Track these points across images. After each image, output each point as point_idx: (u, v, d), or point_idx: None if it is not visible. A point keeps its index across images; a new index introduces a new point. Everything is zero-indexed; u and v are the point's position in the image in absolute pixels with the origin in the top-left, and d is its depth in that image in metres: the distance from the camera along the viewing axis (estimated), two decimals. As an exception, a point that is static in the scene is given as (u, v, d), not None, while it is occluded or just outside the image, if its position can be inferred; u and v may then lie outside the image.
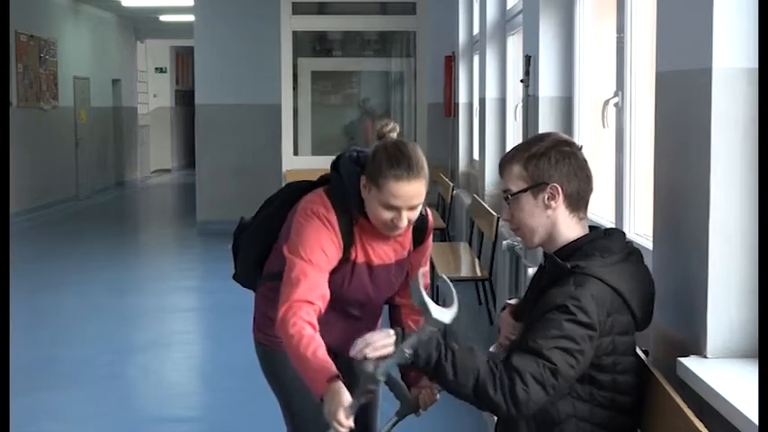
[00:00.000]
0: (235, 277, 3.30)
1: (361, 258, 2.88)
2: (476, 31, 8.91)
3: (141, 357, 6.54)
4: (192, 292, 9.18)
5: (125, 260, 10.85)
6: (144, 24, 20.54)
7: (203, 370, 6.49)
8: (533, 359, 2.27)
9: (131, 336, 7.23)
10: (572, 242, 2.48)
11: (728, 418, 2.16)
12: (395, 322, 3.14)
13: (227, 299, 8.42)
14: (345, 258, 2.85)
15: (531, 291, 2.61)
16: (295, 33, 11.82)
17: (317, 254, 2.74)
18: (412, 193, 2.70)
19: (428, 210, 3.01)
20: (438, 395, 2.89)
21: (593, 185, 2.54)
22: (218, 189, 12.59)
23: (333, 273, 2.82)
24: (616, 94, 3.66)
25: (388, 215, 2.73)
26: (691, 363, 2.43)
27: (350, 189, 2.82)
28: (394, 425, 2.77)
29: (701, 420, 2.13)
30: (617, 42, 3.70)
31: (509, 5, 6.88)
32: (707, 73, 2.39)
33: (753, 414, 2.04)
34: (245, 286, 3.32)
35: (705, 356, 2.44)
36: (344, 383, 2.60)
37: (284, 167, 11.41)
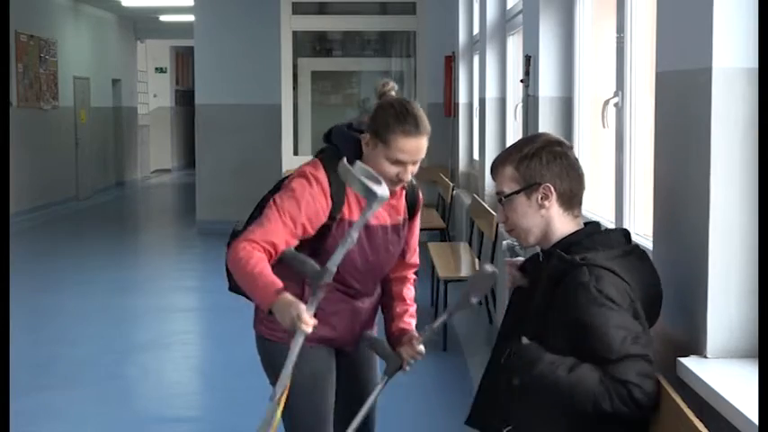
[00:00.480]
0: (231, 289, 3.24)
1: (355, 217, 2.91)
2: (476, 31, 8.91)
3: (141, 357, 6.53)
4: (192, 292, 9.18)
5: (125, 260, 10.86)
6: (144, 24, 20.54)
7: (203, 370, 6.49)
8: (624, 363, 2.26)
9: (131, 336, 7.23)
10: (568, 236, 2.50)
11: (728, 418, 2.16)
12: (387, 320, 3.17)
13: (227, 299, 8.39)
14: (339, 217, 2.90)
15: (532, 283, 2.61)
16: (295, 33, 11.81)
17: (293, 208, 2.82)
18: (418, 147, 2.83)
19: (418, 185, 3.10)
20: (421, 347, 2.96)
21: (584, 183, 2.56)
22: (218, 189, 12.59)
23: (332, 236, 2.88)
24: (616, 94, 3.66)
25: (394, 170, 2.84)
26: (691, 363, 2.43)
27: (343, 149, 2.91)
28: (385, 385, 2.90)
29: (701, 420, 2.13)
30: (617, 42, 3.70)
31: (509, 5, 6.88)
32: (707, 73, 2.39)
33: (753, 414, 2.04)
34: (242, 294, 3.22)
35: (705, 356, 2.44)
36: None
37: (284, 167, 11.41)
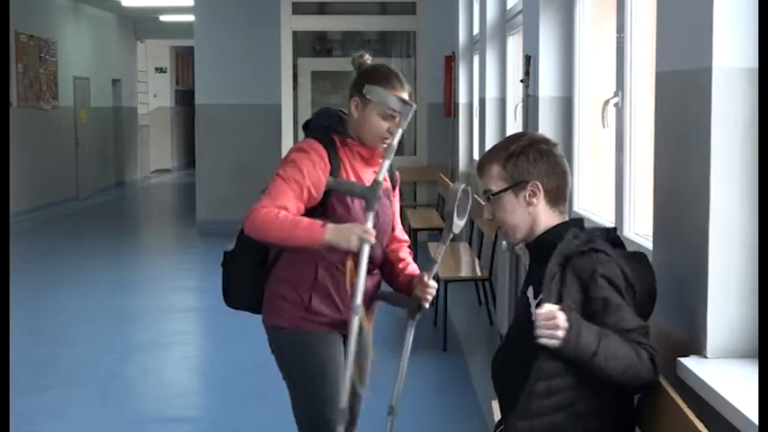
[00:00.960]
0: (233, 304, 3.34)
1: (353, 178, 3.12)
2: (476, 31, 8.91)
3: (141, 357, 6.53)
4: (191, 292, 9.18)
5: (125, 260, 10.86)
6: (144, 24, 20.54)
7: (203, 370, 6.49)
8: (640, 332, 2.35)
9: (131, 336, 7.23)
10: (553, 228, 2.55)
11: (728, 418, 2.16)
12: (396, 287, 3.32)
13: (227, 299, 8.44)
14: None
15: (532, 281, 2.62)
16: (295, 33, 11.81)
17: (296, 174, 3.02)
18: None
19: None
20: (432, 281, 3.12)
21: (570, 180, 2.62)
22: (218, 189, 12.59)
23: (335, 203, 3.07)
24: (616, 94, 3.66)
25: (384, 125, 3.08)
26: (691, 363, 2.43)
27: (327, 122, 3.17)
28: (413, 329, 3.10)
29: (701, 420, 2.13)
30: (617, 42, 3.70)
31: (509, 5, 6.88)
32: (707, 73, 2.39)
33: (753, 414, 2.04)
34: (246, 308, 3.33)
35: (705, 356, 2.44)
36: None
37: (284, 167, 11.41)
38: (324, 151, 3.09)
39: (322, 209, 3.08)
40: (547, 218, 2.57)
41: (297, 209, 3.02)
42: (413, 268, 3.30)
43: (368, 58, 3.24)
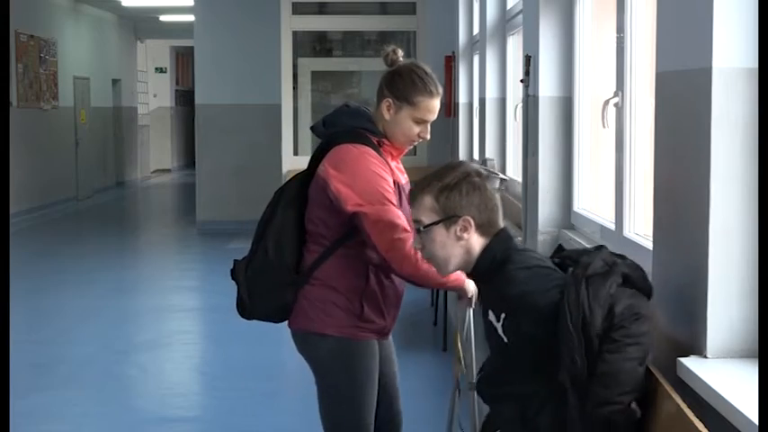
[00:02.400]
0: (255, 316, 3.22)
1: (395, 178, 3.12)
2: (476, 31, 8.91)
3: (141, 357, 6.54)
4: (191, 292, 9.18)
5: (125, 260, 10.86)
6: (144, 24, 20.54)
7: (203, 370, 6.49)
8: None
9: (131, 336, 7.23)
10: (483, 252, 2.54)
11: (728, 418, 2.16)
12: None
13: (227, 299, 8.41)
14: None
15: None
16: (295, 33, 11.82)
17: (384, 188, 2.99)
18: (437, 106, 3.15)
19: None
20: None
21: (501, 213, 2.60)
22: (218, 189, 12.59)
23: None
24: (616, 94, 3.66)
25: (416, 129, 3.12)
26: (691, 363, 2.42)
27: (358, 123, 3.12)
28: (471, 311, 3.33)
29: (701, 420, 2.13)
30: (617, 42, 3.70)
31: (509, 5, 6.88)
32: (707, 73, 2.39)
33: (753, 414, 2.04)
34: (270, 317, 3.23)
35: (705, 356, 2.44)
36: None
37: (284, 167, 11.42)
38: (376, 154, 3.06)
39: None
40: (479, 246, 2.55)
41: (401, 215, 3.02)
42: None
43: (401, 54, 3.23)
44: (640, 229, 3.56)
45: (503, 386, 2.49)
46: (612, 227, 3.79)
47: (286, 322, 3.22)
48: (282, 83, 11.67)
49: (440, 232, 2.53)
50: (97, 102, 18.17)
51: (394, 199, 3.00)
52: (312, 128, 3.27)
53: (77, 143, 16.81)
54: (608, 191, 3.97)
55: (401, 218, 2.96)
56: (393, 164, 3.16)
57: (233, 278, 3.20)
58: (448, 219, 2.51)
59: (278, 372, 6.14)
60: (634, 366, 2.29)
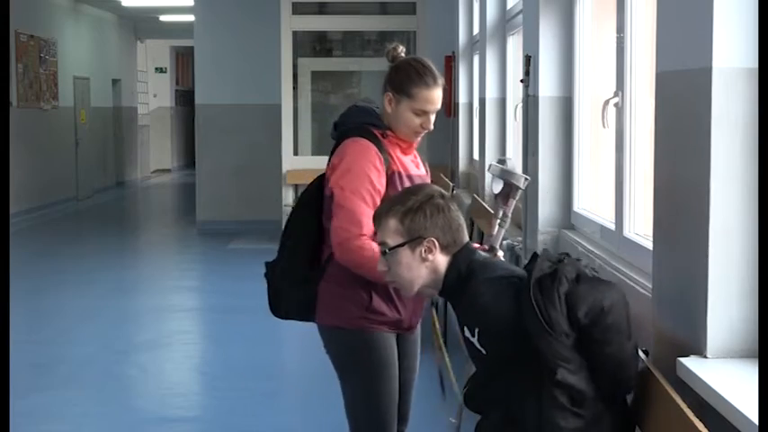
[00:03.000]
0: (283, 314, 3.33)
1: (399, 169, 3.19)
2: (476, 31, 8.91)
3: (141, 357, 6.54)
4: (192, 292, 9.18)
5: (125, 260, 10.86)
6: (144, 24, 20.54)
7: (203, 370, 6.49)
8: None
9: (131, 336, 7.23)
10: (447, 270, 2.57)
11: (728, 418, 2.16)
12: None
13: (227, 299, 8.45)
14: (390, 171, 3.16)
15: None
16: (295, 33, 11.80)
17: (364, 183, 3.08)
18: (437, 97, 3.18)
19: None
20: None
21: (466, 232, 2.64)
22: (218, 189, 12.59)
23: (388, 190, 3.11)
24: (616, 94, 3.66)
25: (417, 120, 3.17)
26: (691, 363, 2.42)
27: (363, 118, 3.21)
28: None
29: (701, 420, 2.13)
30: (617, 42, 3.70)
31: (509, 5, 6.88)
32: (707, 73, 2.39)
33: (753, 414, 2.04)
34: (298, 315, 3.31)
35: (705, 356, 2.44)
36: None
37: (284, 167, 11.40)
38: (374, 147, 3.15)
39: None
40: (445, 264, 2.58)
41: (370, 221, 3.03)
42: None
43: (402, 50, 3.27)
44: (640, 229, 3.56)
45: (487, 394, 2.53)
46: (612, 227, 3.79)
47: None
48: (282, 83, 11.65)
49: (405, 254, 2.57)
50: (97, 102, 18.17)
51: (371, 200, 3.07)
52: (331, 132, 3.38)
53: (77, 143, 16.81)
54: (608, 191, 3.97)
55: (366, 216, 3.02)
56: (409, 157, 3.25)
57: (266, 278, 3.33)
58: (412, 240, 2.56)
59: (278, 372, 6.14)
60: (625, 346, 2.38)
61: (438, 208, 2.58)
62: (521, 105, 5.61)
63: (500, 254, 3.30)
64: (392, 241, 2.58)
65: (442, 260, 2.57)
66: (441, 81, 3.19)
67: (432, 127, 3.22)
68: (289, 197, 11.39)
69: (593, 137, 4.50)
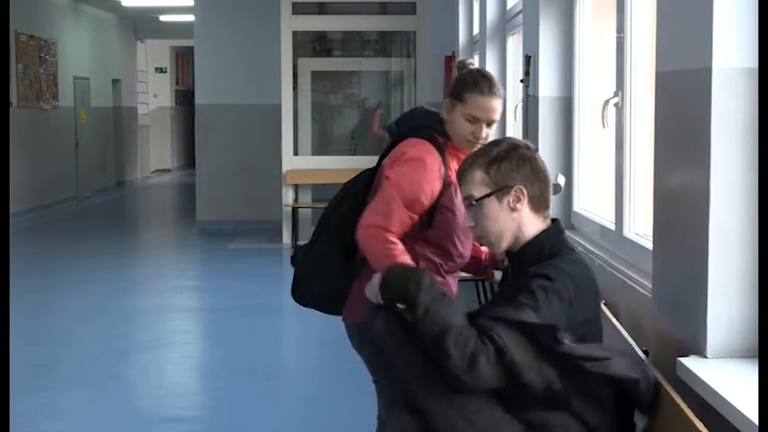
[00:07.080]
0: (303, 299, 3.31)
1: (454, 179, 3.11)
2: (476, 31, 8.91)
3: (141, 357, 6.54)
4: (191, 292, 9.18)
5: (125, 260, 10.86)
6: (144, 24, 20.54)
7: (203, 370, 6.49)
8: (498, 324, 2.35)
9: (131, 336, 7.23)
10: (537, 236, 2.52)
11: (728, 418, 2.16)
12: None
13: (227, 299, 8.45)
14: (449, 181, 3.12)
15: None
16: (295, 33, 11.80)
17: (413, 187, 3.06)
18: (492, 107, 3.12)
19: None
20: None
21: (551, 188, 2.59)
22: (218, 189, 12.59)
23: (444, 209, 3.10)
24: (616, 94, 3.66)
25: (469, 128, 3.12)
26: (691, 363, 2.42)
27: (428, 122, 3.21)
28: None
29: (701, 420, 2.13)
30: (617, 42, 3.70)
31: (509, 5, 6.88)
32: (707, 73, 2.39)
33: (753, 414, 2.04)
34: (319, 303, 3.31)
35: (705, 356, 2.44)
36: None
37: (284, 167, 11.40)
38: (439, 158, 3.12)
39: (430, 209, 3.12)
40: (531, 225, 2.51)
41: (402, 224, 3.06)
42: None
43: (470, 62, 3.26)
44: (640, 229, 3.56)
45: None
46: (612, 227, 3.79)
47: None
48: (282, 83, 11.66)
49: (492, 205, 2.50)
50: (97, 102, 18.17)
51: (410, 205, 3.06)
52: (387, 128, 3.38)
53: (77, 143, 16.81)
54: (608, 191, 3.97)
55: (398, 217, 3.02)
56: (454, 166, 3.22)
57: (292, 263, 3.30)
58: (500, 190, 2.48)
59: (278, 372, 6.13)
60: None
61: (524, 158, 2.51)
62: (521, 105, 5.61)
63: None
64: (478, 193, 2.51)
65: (528, 219, 2.51)
66: (498, 92, 3.13)
67: (484, 136, 3.13)
68: (289, 197, 11.39)
69: (593, 137, 4.51)
